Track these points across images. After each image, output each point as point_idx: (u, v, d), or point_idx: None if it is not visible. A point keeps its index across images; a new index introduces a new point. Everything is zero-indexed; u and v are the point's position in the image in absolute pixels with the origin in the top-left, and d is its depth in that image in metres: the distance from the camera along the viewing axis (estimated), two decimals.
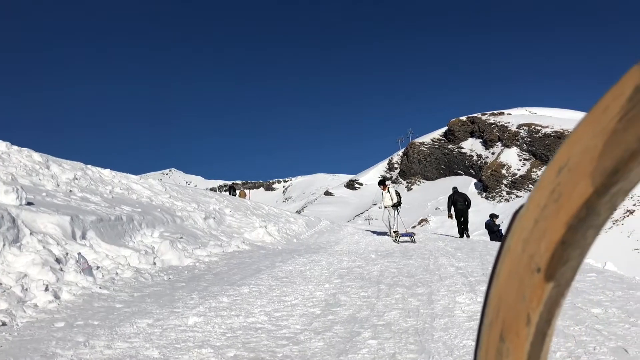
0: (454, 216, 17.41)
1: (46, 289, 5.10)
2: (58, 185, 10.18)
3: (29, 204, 7.40)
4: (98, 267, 6.54)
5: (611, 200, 0.34)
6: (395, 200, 14.85)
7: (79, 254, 6.45)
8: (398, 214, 14.72)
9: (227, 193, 28.97)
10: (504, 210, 48.37)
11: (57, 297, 5.14)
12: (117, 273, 6.55)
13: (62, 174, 11.32)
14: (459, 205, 17.06)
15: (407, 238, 13.91)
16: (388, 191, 15.13)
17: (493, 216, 18.81)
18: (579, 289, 5.82)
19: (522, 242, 0.38)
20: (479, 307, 5.26)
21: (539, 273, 0.37)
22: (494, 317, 0.41)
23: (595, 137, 0.33)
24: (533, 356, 0.40)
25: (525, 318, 0.39)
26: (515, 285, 0.39)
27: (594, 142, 0.33)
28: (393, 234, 14.32)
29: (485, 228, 18.66)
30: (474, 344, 2.87)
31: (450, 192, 17.89)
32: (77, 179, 11.39)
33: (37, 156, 11.67)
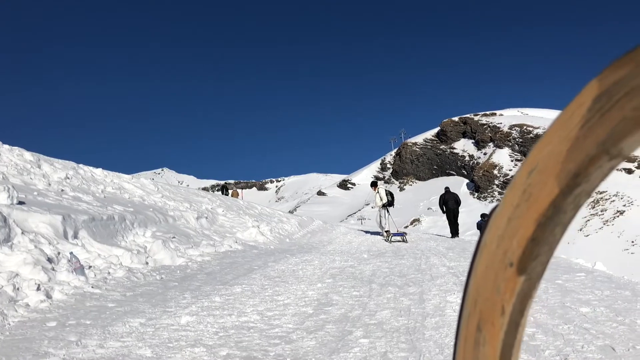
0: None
1: (38, 289, 5.09)
2: (49, 184, 10.14)
3: (20, 203, 7.38)
4: (90, 267, 6.52)
5: (575, 200, 0.37)
6: (385, 200, 15.04)
7: (71, 253, 6.44)
8: (389, 214, 14.84)
9: (220, 193, 28.92)
10: None
11: (49, 296, 5.13)
12: (109, 272, 6.54)
13: (54, 173, 11.27)
14: (450, 204, 17.60)
15: (398, 238, 14.10)
16: (378, 192, 15.30)
17: (485, 216, 18.97)
18: (568, 289, 5.89)
19: (497, 238, 0.41)
20: None
21: (512, 267, 0.40)
22: (472, 309, 0.44)
23: (560, 143, 0.36)
24: (507, 344, 0.43)
25: (500, 309, 0.42)
26: (491, 279, 0.42)
27: (560, 148, 0.37)
28: (385, 234, 14.50)
29: (477, 228, 18.84)
30: None
31: (443, 192, 18.42)
32: (68, 178, 11.34)
33: (28, 155, 11.61)
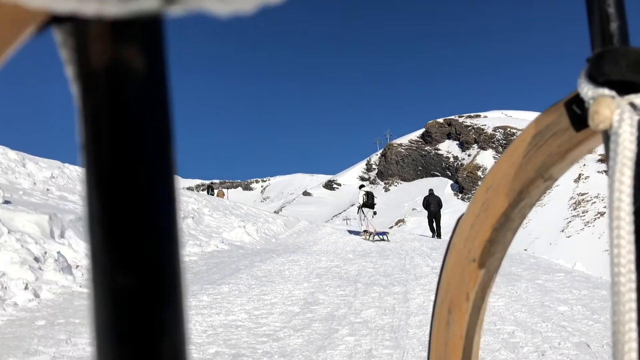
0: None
1: (26, 288, 5.11)
2: (35, 183, 10.10)
3: (6, 202, 7.36)
4: (77, 266, 6.54)
5: (520, 211, 0.49)
6: (361, 202, 15.80)
7: (58, 252, 6.45)
8: (365, 215, 15.50)
9: (206, 193, 28.88)
10: None
11: (37, 295, 5.15)
12: None
13: (39, 172, 11.21)
14: (432, 207, 18.71)
15: (377, 237, 14.70)
16: (359, 194, 16.22)
17: None
18: (548, 288, 6.07)
19: (463, 240, 0.52)
20: None
21: (474, 262, 0.51)
22: (444, 296, 0.55)
23: (509, 168, 0.48)
24: (471, 324, 0.54)
25: (466, 296, 0.53)
26: (458, 272, 0.53)
27: (508, 171, 0.48)
28: (362, 233, 15.34)
29: None
30: None
31: (427, 193, 19.66)
32: (54, 177, 11.29)
33: (13, 154, 11.53)
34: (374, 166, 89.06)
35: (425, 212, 20.15)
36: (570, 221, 47.39)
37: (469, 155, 69.57)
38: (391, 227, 45.33)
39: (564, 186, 53.19)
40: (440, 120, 79.69)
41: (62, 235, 7.47)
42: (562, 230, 46.23)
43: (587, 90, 0.39)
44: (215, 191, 31.40)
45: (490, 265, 0.51)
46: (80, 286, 5.81)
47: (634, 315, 0.34)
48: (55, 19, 0.17)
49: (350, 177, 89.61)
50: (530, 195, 0.47)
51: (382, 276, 7.46)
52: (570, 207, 50.05)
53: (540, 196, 0.48)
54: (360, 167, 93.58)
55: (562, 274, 7.17)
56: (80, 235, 7.90)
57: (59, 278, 5.83)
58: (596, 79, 0.38)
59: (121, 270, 0.16)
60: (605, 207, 46.94)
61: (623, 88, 0.37)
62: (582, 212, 47.82)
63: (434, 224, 18.34)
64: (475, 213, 0.50)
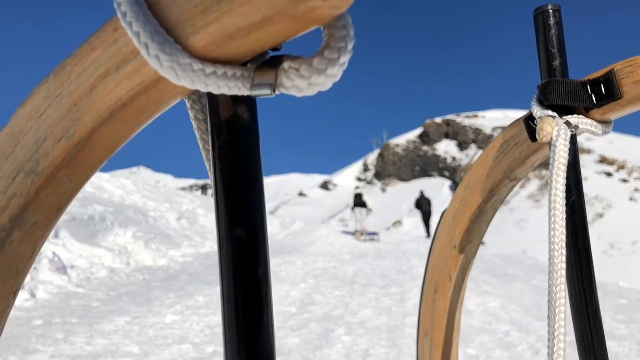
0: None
1: (22, 287, 5.12)
2: None
3: None
4: (72, 266, 6.55)
5: (492, 205, 0.59)
6: (352, 203, 16.50)
7: (53, 253, 6.46)
8: (355, 215, 16.09)
9: (200, 193, 28.87)
10: None
11: (33, 295, 5.16)
12: (92, 272, 6.57)
13: None
14: (424, 208, 19.43)
15: (368, 237, 15.17)
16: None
17: None
18: (543, 289, 6.12)
19: (446, 230, 0.61)
20: None
21: (455, 249, 0.60)
22: (431, 278, 0.63)
23: (482, 170, 0.57)
24: (453, 301, 0.62)
25: (448, 277, 0.61)
26: (442, 257, 0.61)
27: (482, 173, 0.57)
28: (355, 233, 15.82)
29: None
30: None
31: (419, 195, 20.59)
32: None
33: None
34: (370, 166, 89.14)
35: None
36: None
37: (467, 156, 69.77)
38: (388, 228, 45.40)
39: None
40: (438, 120, 79.90)
41: (56, 236, 7.47)
42: None
43: (536, 111, 0.50)
44: (209, 191, 31.43)
45: (468, 251, 0.60)
46: (75, 286, 5.82)
47: (563, 279, 0.45)
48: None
49: (347, 178, 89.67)
50: (500, 192, 0.57)
51: (379, 277, 7.50)
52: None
53: (508, 193, 0.58)
54: (357, 167, 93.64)
55: None
56: (74, 236, 7.90)
57: (54, 278, 5.84)
58: (542, 103, 0.50)
59: (237, 227, 0.27)
60: (603, 208, 47.16)
61: (562, 110, 0.49)
62: None
63: (425, 224, 19.11)
64: (456, 207, 0.60)
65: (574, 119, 0.48)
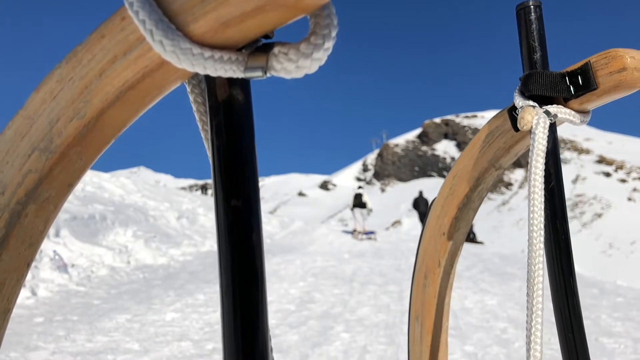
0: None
1: (23, 285, 5.14)
2: None
3: None
4: (73, 265, 6.57)
5: (479, 194, 0.61)
6: (351, 204, 16.77)
7: (54, 251, 6.48)
8: (354, 215, 16.37)
9: (199, 193, 28.90)
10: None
11: (34, 293, 5.19)
12: (92, 271, 6.60)
13: None
14: (421, 208, 19.61)
15: (365, 237, 15.39)
16: None
17: None
18: None
19: (436, 217, 0.64)
20: None
21: (444, 236, 0.62)
22: (421, 264, 0.65)
23: (469, 160, 0.59)
24: (442, 286, 0.65)
25: (438, 263, 0.64)
26: (432, 244, 0.64)
27: (469, 163, 0.60)
28: (354, 232, 16.11)
29: None
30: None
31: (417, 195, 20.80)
32: None
33: None
34: (370, 166, 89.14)
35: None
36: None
37: None
38: (387, 228, 45.42)
39: None
40: (437, 120, 79.92)
41: (57, 234, 7.49)
42: None
43: (518, 101, 0.53)
44: (209, 191, 31.42)
45: (457, 238, 0.63)
46: (76, 285, 5.84)
47: (542, 259, 0.49)
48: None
49: (346, 178, 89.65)
50: (486, 181, 0.60)
51: (378, 276, 7.52)
52: (567, 208, 50.19)
53: (493, 182, 0.61)
54: (357, 167, 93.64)
55: None
56: (75, 235, 7.92)
57: (55, 276, 5.86)
58: (524, 94, 0.52)
59: (232, 197, 0.29)
60: (602, 208, 47.18)
61: (542, 101, 0.51)
62: (580, 214, 48.05)
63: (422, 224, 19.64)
64: (444, 196, 0.62)
65: (553, 108, 0.51)
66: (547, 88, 0.51)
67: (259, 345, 0.32)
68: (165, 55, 0.26)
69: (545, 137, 0.50)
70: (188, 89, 0.33)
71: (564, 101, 0.52)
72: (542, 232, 0.48)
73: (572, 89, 0.51)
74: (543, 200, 0.49)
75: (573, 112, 0.52)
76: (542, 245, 0.48)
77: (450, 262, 0.65)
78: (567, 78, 0.51)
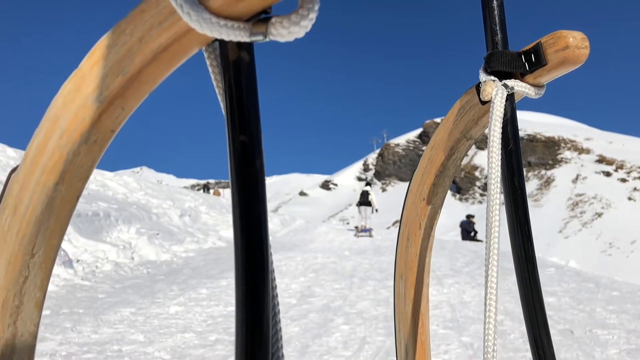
0: None
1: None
2: None
3: None
4: (78, 260, 6.67)
5: (454, 162, 0.69)
6: (357, 201, 17.04)
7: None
8: (360, 213, 16.62)
9: (201, 192, 29.01)
10: (476, 212, 49.37)
11: None
12: (97, 266, 6.70)
13: None
14: None
15: (363, 233, 15.77)
16: None
17: (469, 217, 19.38)
18: None
19: (417, 185, 0.71)
20: (445, 297, 5.61)
21: (424, 201, 0.70)
22: (404, 227, 0.73)
23: (445, 132, 0.67)
24: (423, 246, 0.72)
25: (419, 225, 0.71)
26: (413, 209, 0.71)
27: (445, 135, 0.68)
28: (355, 229, 16.50)
29: (460, 227, 19.21)
30: (435, 327, 3.19)
31: None
32: None
33: (11, 151, 11.65)
34: (370, 166, 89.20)
35: None
36: (567, 222, 47.52)
37: (467, 155, 69.76)
38: (388, 228, 45.47)
39: (561, 187, 53.40)
40: (438, 120, 79.85)
41: None
42: (560, 231, 46.36)
43: (482, 77, 0.62)
44: (211, 191, 31.54)
45: (435, 202, 0.70)
46: (81, 279, 5.94)
47: (497, 212, 0.56)
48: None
49: (347, 178, 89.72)
50: (459, 150, 0.68)
51: (377, 271, 7.61)
52: (568, 207, 50.19)
53: (466, 151, 0.69)
54: (357, 167, 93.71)
55: (553, 269, 7.33)
56: (79, 231, 8.02)
57: (61, 271, 5.96)
58: (487, 70, 0.61)
59: (241, 133, 0.36)
60: (602, 207, 47.19)
61: (502, 76, 0.60)
62: (580, 213, 48.03)
63: None
64: (424, 165, 0.70)
65: (510, 82, 0.61)
66: (506, 65, 0.60)
67: (264, 332, 0.35)
68: (191, 23, 0.35)
69: (503, 105, 0.58)
70: (205, 55, 0.42)
71: (521, 76, 0.61)
72: (499, 186, 0.56)
73: (527, 65, 0.60)
74: (500, 159, 0.56)
75: (528, 86, 0.61)
76: (498, 201, 0.56)
77: (430, 225, 0.72)
78: (522, 56, 0.61)
